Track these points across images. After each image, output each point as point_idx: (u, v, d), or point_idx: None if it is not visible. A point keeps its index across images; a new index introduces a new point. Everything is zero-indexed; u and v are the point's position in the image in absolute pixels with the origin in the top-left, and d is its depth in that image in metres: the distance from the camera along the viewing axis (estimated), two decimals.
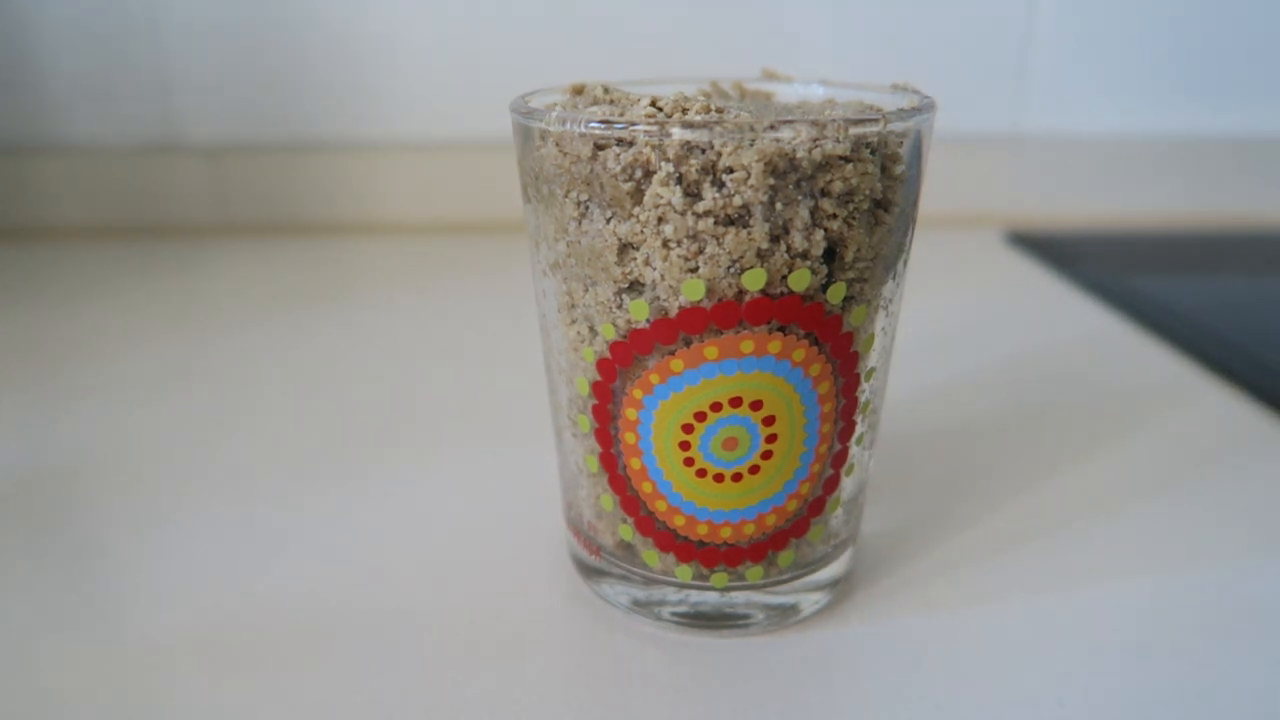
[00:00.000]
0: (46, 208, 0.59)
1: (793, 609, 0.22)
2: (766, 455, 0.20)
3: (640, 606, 0.22)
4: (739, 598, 0.22)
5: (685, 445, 0.20)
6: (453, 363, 0.40)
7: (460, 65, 0.58)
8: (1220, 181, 0.60)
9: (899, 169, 0.19)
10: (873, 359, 0.21)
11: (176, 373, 0.38)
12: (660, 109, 0.18)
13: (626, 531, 0.21)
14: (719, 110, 0.18)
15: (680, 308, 0.18)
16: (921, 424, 0.33)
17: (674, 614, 0.22)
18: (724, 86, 0.24)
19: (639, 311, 0.19)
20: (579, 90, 0.21)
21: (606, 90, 0.20)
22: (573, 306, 0.20)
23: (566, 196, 0.19)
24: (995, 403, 0.35)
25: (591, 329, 0.20)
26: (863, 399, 0.21)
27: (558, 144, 0.18)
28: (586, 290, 0.19)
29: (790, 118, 0.18)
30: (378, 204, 0.60)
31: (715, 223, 0.17)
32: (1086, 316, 0.44)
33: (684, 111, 0.18)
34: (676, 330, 0.18)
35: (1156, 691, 0.20)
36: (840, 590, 0.23)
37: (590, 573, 0.23)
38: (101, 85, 0.58)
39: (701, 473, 0.20)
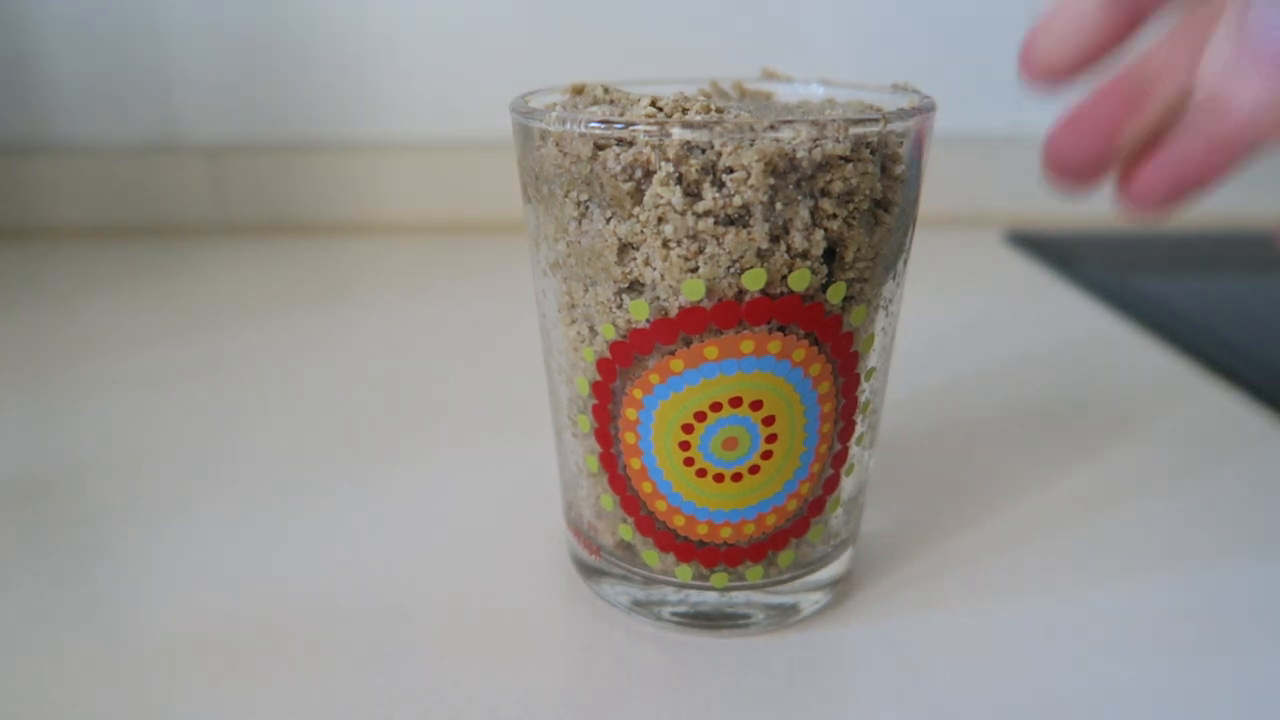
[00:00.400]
0: (46, 208, 0.59)
1: (793, 609, 0.22)
2: (766, 455, 0.20)
3: (640, 606, 0.22)
4: (739, 597, 0.22)
5: (685, 445, 0.20)
6: (452, 363, 0.40)
7: (460, 65, 0.58)
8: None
9: (899, 169, 0.19)
10: (873, 359, 0.21)
11: (176, 373, 0.38)
12: (660, 109, 0.18)
13: (626, 531, 0.21)
14: (719, 110, 0.18)
15: (680, 308, 0.18)
16: (921, 424, 0.33)
17: (674, 614, 0.22)
18: (724, 86, 0.24)
19: (639, 311, 0.19)
20: (579, 90, 0.21)
21: (606, 90, 0.20)
22: (573, 306, 0.20)
23: (566, 196, 0.19)
24: (995, 402, 0.35)
25: (591, 329, 0.20)
26: (863, 399, 0.21)
27: (558, 144, 0.18)
28: (586, 290, 0.19)
29: (790, 118, 0.18)
30: (377, 204, 0.60)
31: (715, 222, 0.17)
32: (1086, 316, 0.44)
33: (684, 111, 0.18)
34: (676, 330, 0.18)
35: (1156, 691, 0.20)
36: (840, 590, 0.23)
37: (590, 573, 0.23)
38: (101, 85, 0.58)
39: (701, 473, 0.20)
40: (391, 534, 0.27)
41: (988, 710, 0.20)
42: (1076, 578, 0.24)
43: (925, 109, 0.19)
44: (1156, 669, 0.21)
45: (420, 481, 0.29)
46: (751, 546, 0.21)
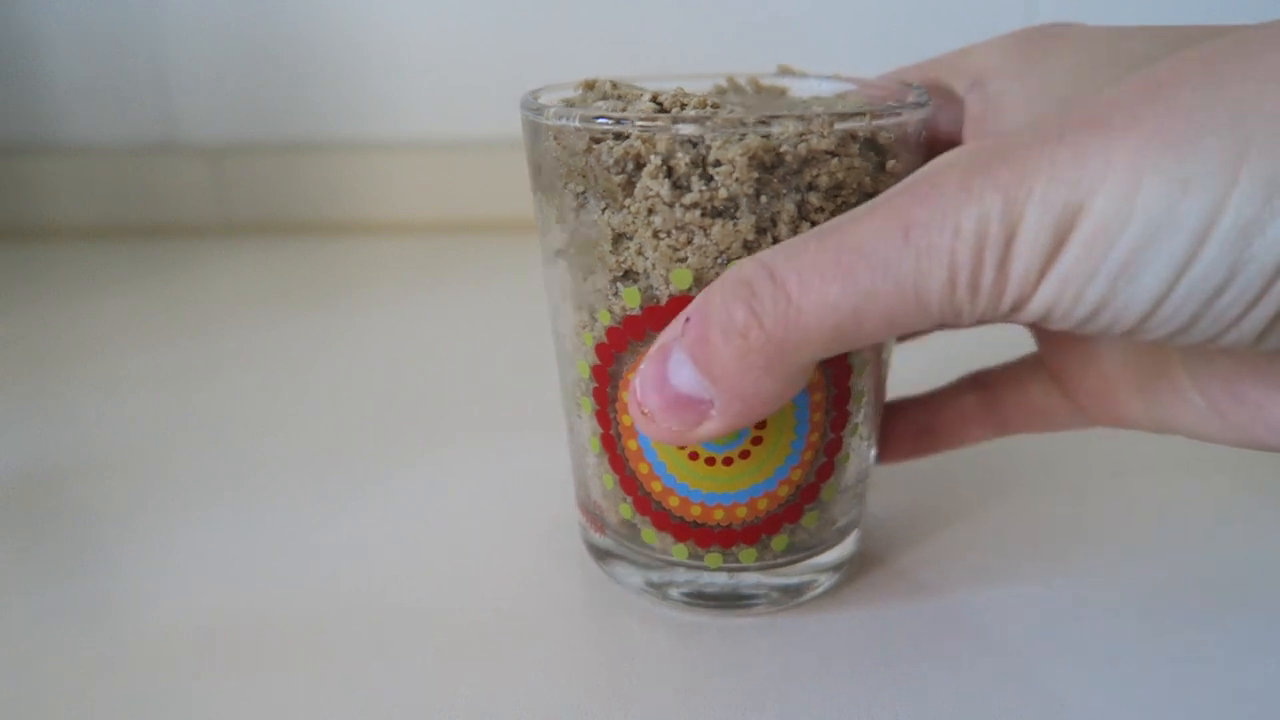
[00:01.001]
0: (46, 208, 0.59)
1: (798, 590, 0.23)
2: (756, 441, 0.20)
3: (651, 587, 0.23)
4: (747, 579, 0.22)
5: None
6: (455, 361, 0.40)
7: (463, 63, 0.58)
8: None
9: (892, 164, 0.19)
10: (866, 352, 0.21)
11: (177, 373, 0.38)
12: (660, 104, 0.19)
13: (626, 510, 0.22)
14: (714, 106, 0.19)
15: (670, 296, 0.19)
16: None
17: (682, 594, 0.22)
18: (740, 82, 0.24)
19: (632, 299, 0.19)
20: (590, 85, 0.21)
21: (615, 86, 0.21)
22: (575, 293, 0.20)
23: (565, 188, 0.19)
24: None
25: (591, 315, 0.20)
26: (855, 389, 0.21)
27: (557, 137, 0.19)
28: (586, 278, 0.20)
29: (779, 113, 0.18)
30: (379, 203, 0.60)
31: (702, 214, 0.18)
32: None
33: (681, 107, 0.19)
34: (668, 317, 0.19)
35: (1158, 684, 0.20)
36: (847, 573, 0.24)
37: (600, 554, 0.24)
38: (101, 85, 0.58)
39: (694, 455, 0.20)
40: (395, 531, 0.27)
41: (990, 696, 0.20)
42: (1077, 569, 0.24)
43: (917, 104, 0.19)
44: (1159, 662, 0.21)
45: (424, 479, 0.30)
46: (744, 529, 0.21)
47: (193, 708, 0.20)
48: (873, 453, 0.23)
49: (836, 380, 0.20)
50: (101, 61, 0.57)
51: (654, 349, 0.18)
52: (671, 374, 0.17)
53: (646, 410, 0.18)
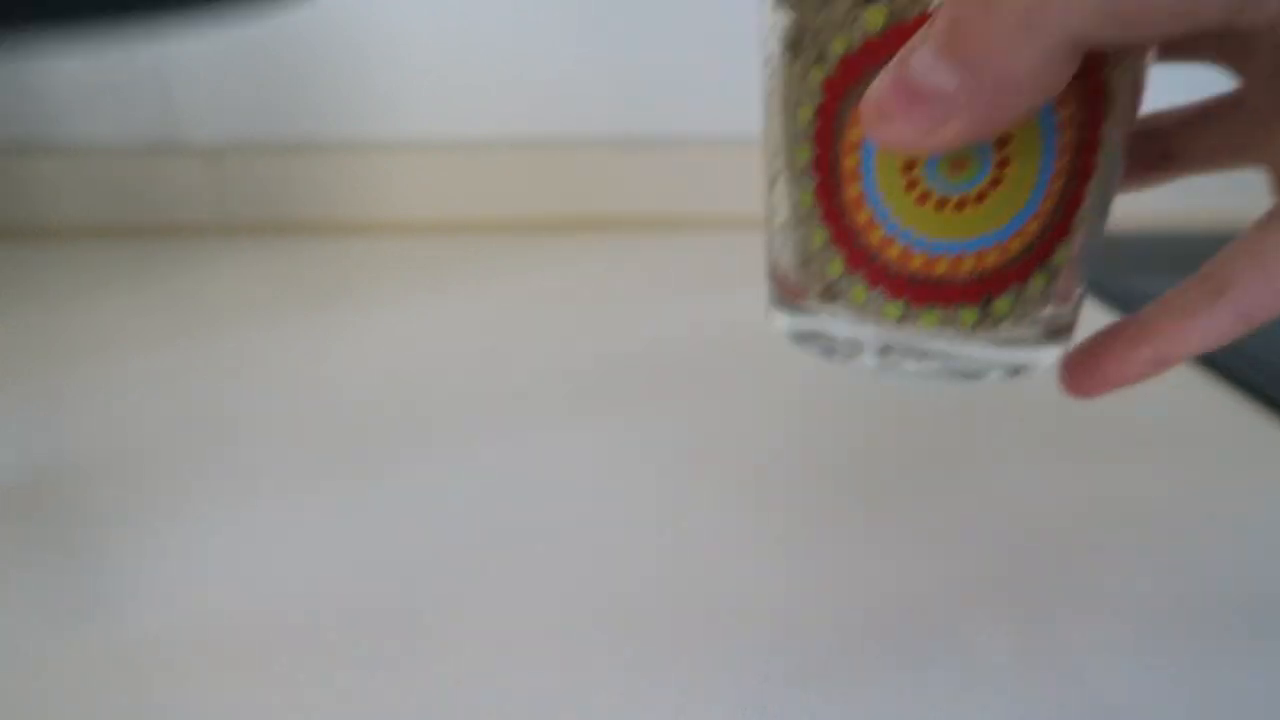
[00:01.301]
0: (46, 208, 0.59)
1: (974, 374, 0.21)
2: (995, 182, 0.19)
3: (840, 358, 0.21)
4: (928, 366, 0.21)
5: (910, 165, 0.19)
6: (455, 361, 0.40)
7: (463, 63, 0.58)
8: (1220, 181, 0.60)
9: None
10: (1120, 99, 0.19)
11: (176, 373, 0.38)
12: None
13: (836, 267, 0.20)
14: None
15: (919, 13, 0.17)
16: (919, 422, 0.33)
17: (869, 366, 0.21)
18: None
19: (875, 21, 0.18)
20: None
21: None
22: (801, 37, 0.19)
23: None
24: (996, 405, 0.35)
25: (821, 52, 0.19)
26: (1105, 139, 0.19)
27: None
28: (819, 11, 0.18)
29: None
30: (378, 203, 0.60)
31: None
32: (1086, 317, 0.44)
33: None
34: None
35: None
36: (1038, 378, 0.22)
37: (795, 334, 0.22)
38: (101, 85, 0.58)
39: (923, 198, 0.19)
40: (395, 531, 0.27)
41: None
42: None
43: None
44: (1159, 664, 0.21)
45: (425, 478, 0.29)
46: (966, 285, 0.19)
47: (192, 710, 0.20)
48: (1101, 235, 0.22)
49: (1088, 124, 0.19)
50: (101, 61, 0.57)
51: (896, 58, 0.16)
52: (914, 69, 0.16)
53: (885, 110, 0.16)
